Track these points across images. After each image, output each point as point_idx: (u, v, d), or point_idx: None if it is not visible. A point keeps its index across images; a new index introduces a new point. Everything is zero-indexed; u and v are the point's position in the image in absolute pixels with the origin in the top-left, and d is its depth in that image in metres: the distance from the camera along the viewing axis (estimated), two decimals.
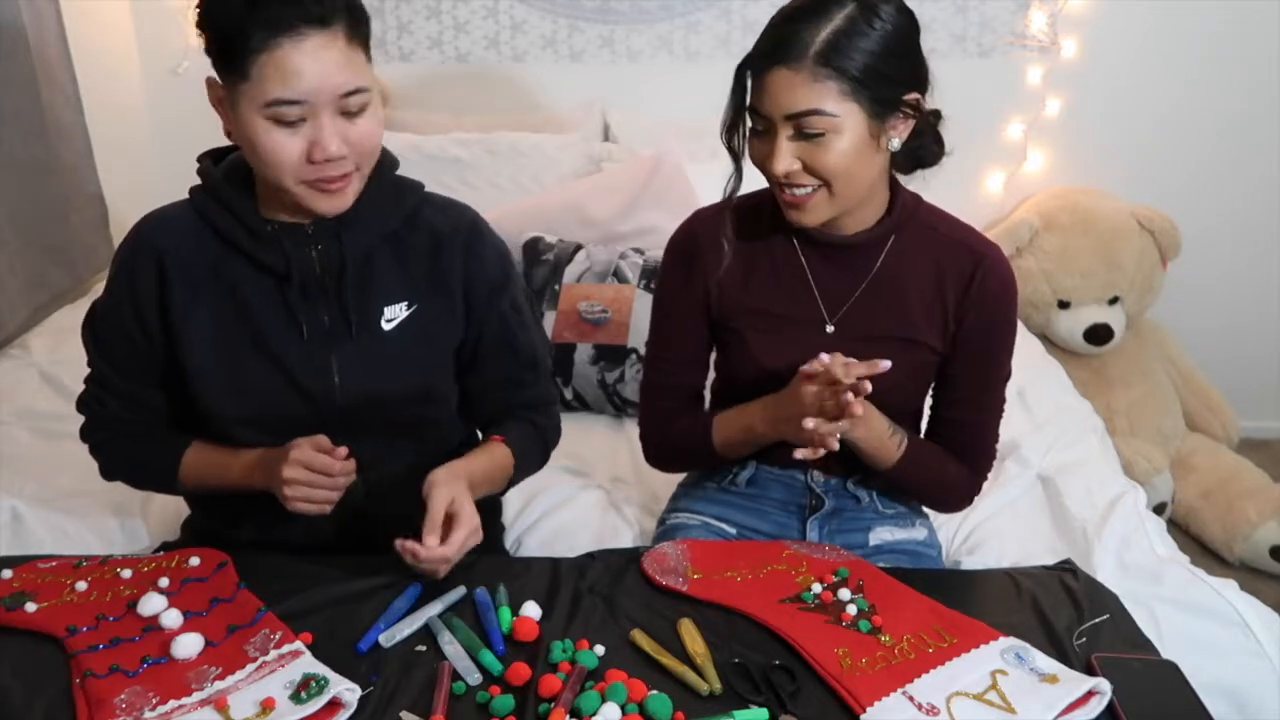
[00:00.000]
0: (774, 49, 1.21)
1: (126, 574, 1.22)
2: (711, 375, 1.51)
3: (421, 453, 1.35)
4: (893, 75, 1.22)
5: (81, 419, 1.37)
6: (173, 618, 1.13)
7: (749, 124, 1.28)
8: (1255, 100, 2.77)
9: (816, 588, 1.21)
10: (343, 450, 1.22)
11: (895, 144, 1.26)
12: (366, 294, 1.28)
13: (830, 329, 1.36)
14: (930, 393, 1.44)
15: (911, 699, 1.04)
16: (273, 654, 1.06)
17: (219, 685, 1.03)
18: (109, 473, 1.38)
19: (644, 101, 2.79)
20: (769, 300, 1.37)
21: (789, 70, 1.19)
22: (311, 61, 1.12)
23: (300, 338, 1.27)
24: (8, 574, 1.22)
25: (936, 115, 1.32)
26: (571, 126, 2.71)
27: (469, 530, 1.18)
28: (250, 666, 1.05)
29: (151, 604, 1.15)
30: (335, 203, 1.21)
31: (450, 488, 1.20)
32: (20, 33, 2.25)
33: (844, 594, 1.19)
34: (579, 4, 2.76)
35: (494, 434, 1.36)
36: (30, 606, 1.16)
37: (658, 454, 1.51)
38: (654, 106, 2.76)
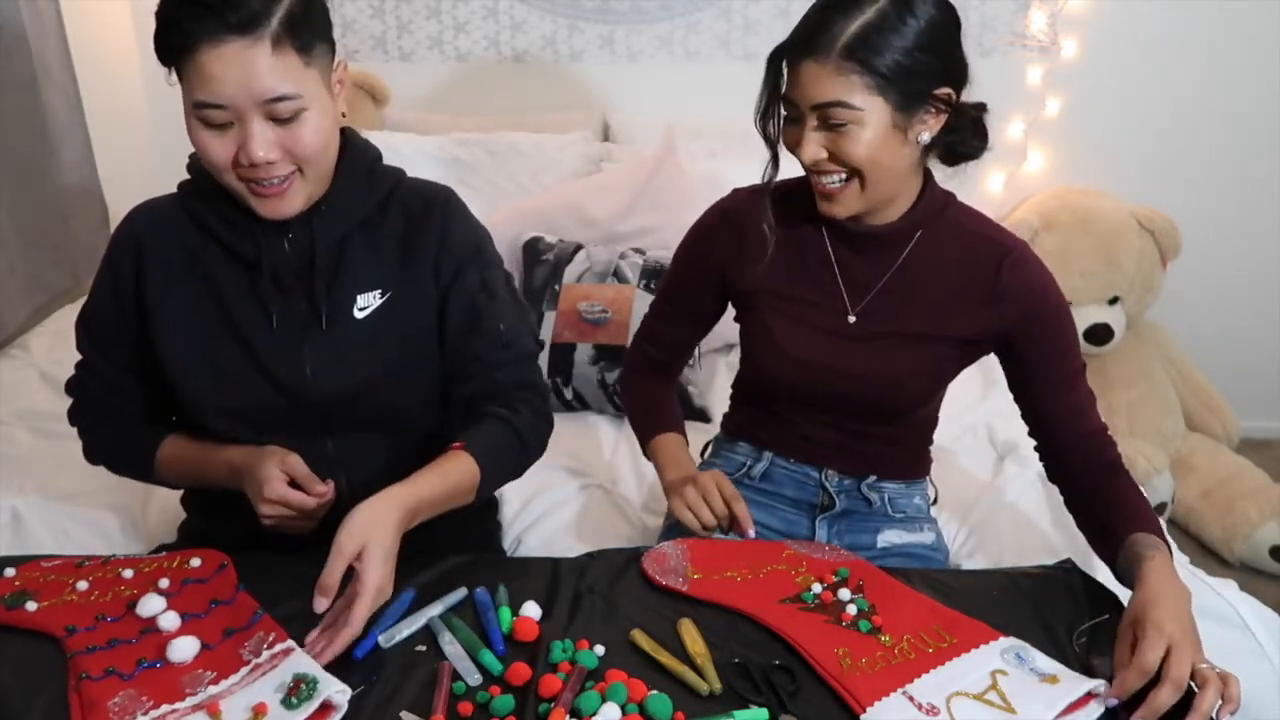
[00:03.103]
0: (804, 40, 1.22)
1: (128, 574, 1.22)
2: (725, 374, 1.54)
3: (402, 444, 1.35)
4: (922, 70, 1.22)
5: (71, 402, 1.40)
6: (170, 619, 1.13)
7: (782, 111, 1.29)
8: (1255, 99, 2.77)
9: (816, 588, 1.21)
10: (320, 487, 1.23)
11: (925, 138, 1.27)
12: (339, 283, 1.28)
13: (852, 319, 1.37)
14: (1020, 406, 1.41)
15: (911, 699, 1.04)
16: (264, 655, 1.06)
17: (212, 690, 1.03)
18: (90, 456, 1.41)
19: (644, 101, 2.80)
20: (793, 285, 1.38)
21: (815, 62, 1.20)
22: (229, 67, 1.11)
23: (271, 328, 1.27)
24: (10, 572, 1.22)
25: (979, 108, 1.32)
26: (571, 126, 2.71)
27: (372, 596, 1.06)
28: (244, 670, 1.05)
29: (150, 605, 1.15)
30: (275, 206, 1.20)
31: (360, 536, 1.07)
32: (20, 33, 2.25)
33: (844, 594, 1.19)
34: (579, 4, 2.76)
35: (456, 441, 1.25)
36: (31, 605, 1.16)
37: (621, 384, 1.62)
38: (654, 106, 2.76)
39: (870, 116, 1.22)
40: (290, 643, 1.07)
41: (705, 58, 2.80)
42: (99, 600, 1.17)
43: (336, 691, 1.00)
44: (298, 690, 1.00)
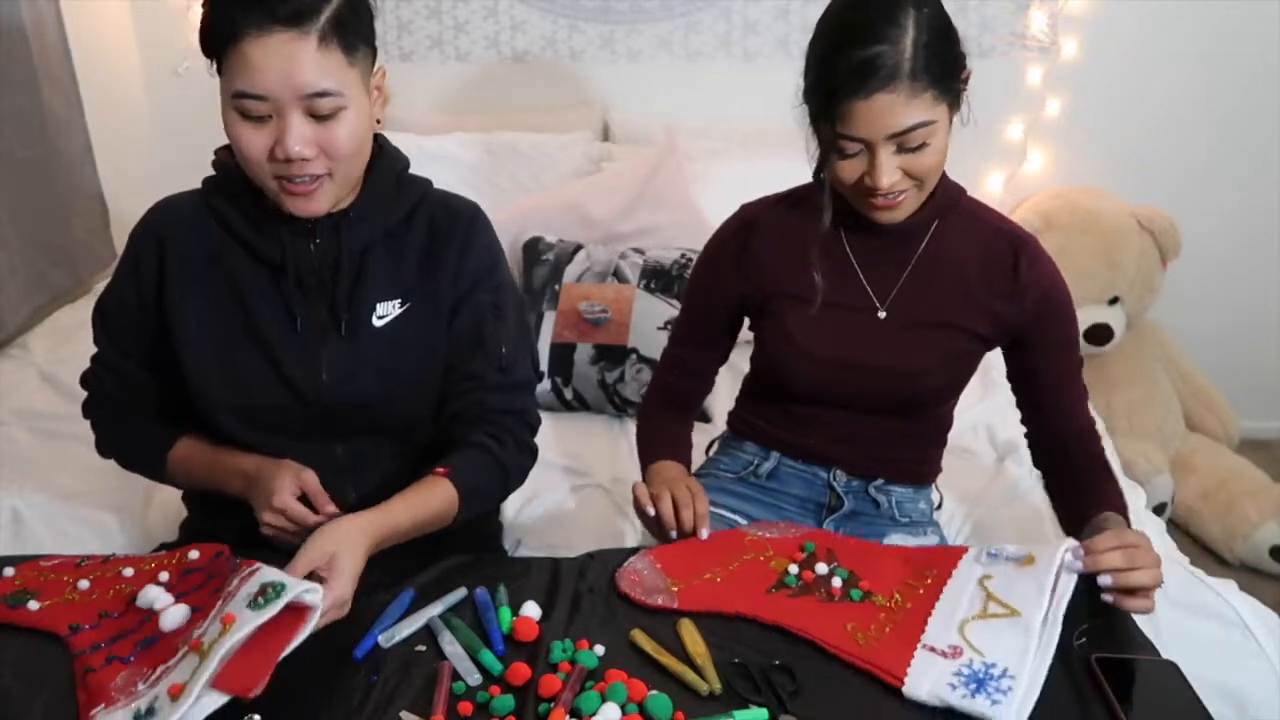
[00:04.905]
0: (863, 77, 1.19)
1: (128, 572, 1.21)
2: (725, 375, 1.54)
3: (410, 452, 1.35)
4: (955, 62, 1.24)
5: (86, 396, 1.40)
6: (166, 600, 1.12)
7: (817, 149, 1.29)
8: (1255, 100, 2.77)
9: (793, 569, 1.21)
10: (330, 508, 1.23)
11: (955, 121, 1.28)
12: (360, 290, 1.28)
13: (883, 314, 1.37)
14: (1018, 397, 1.44)
15: (932, 649, 1.05)
16: (234, 581, 1.04)
17: (195, 633, 1.02)
18: (102, 449, 1.41)
19: (644, 101, 2.80)
20: (814, 287, 1.37)
21: (888, 94, 1.19)
22: (274, 58, 1.11)
23: (291, 331, 1.27)
24: (9, 572, 1.22)
25: None
26: (571, 126, 2.71)
27: (333, 610, 1.05)
28: (219, 604, 1.04)
29: (149, 595, 1.14)
30: (304, 205, 1.20)
31: (330, 546, 1.08)
32: (20, 32, 2.25)
33: (821, 568, 1.19)
34: (579, 4, 2.76)
35: (440, 466, 1.26)
36: (33, 605, 1.16)
37: (637, 419, 1.58)
38: (654, 106, 2.76)
39: (941, 125, 1.23)
40: (258, 564, 1.05)
41: (705, 58, 2.80)
42: (100, 599, 1.17)
43: (305, 590, 0.99)
44: (264, 593, 0.98)
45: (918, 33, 1.19)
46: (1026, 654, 1.03)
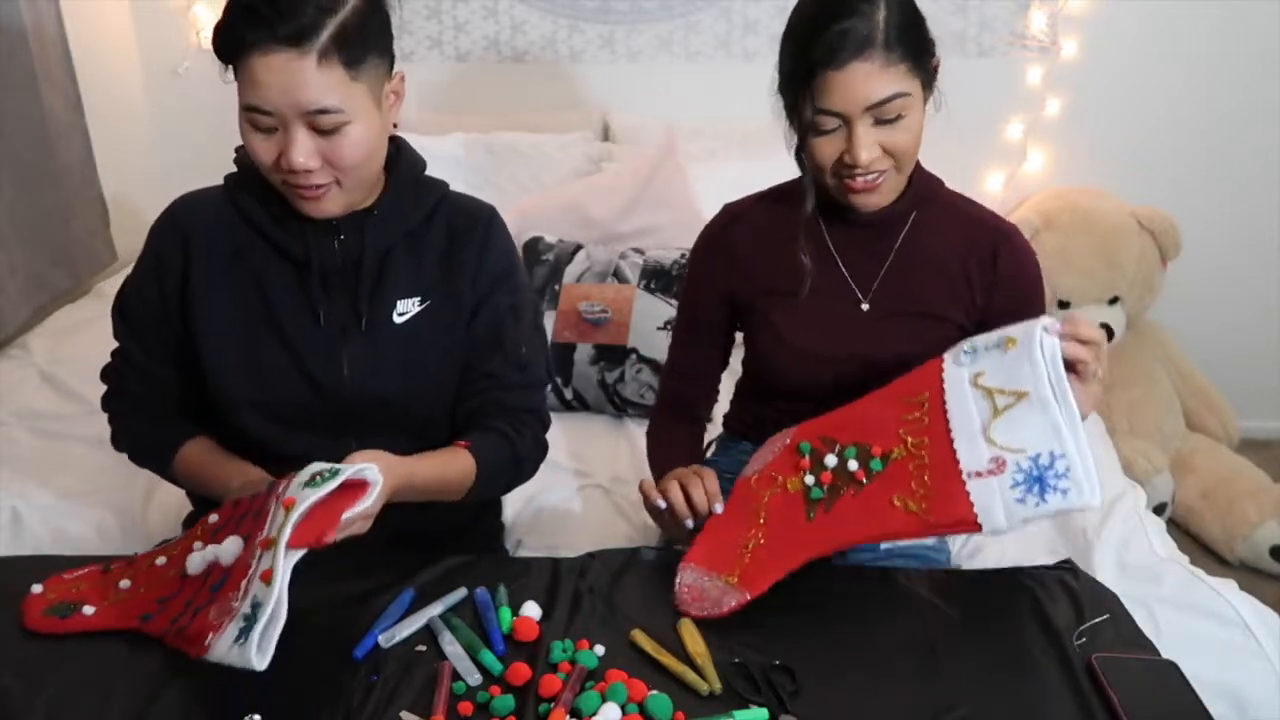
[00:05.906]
0: (839, 47, 1.21)
1: (161, 561, 1.21)
2: (724, 376, 1.54)
3: (423, 450, 1.35)
4: (926, 45, 1.26)
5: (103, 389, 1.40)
6: (214, 550, 1.13)
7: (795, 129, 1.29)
8: (1255, 100, 2.77)
9: (809, 480, 1.19)
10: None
11: (928, 108, 1.30)
12: (382, 288, 1.30)
13: (865, 306, 1.38)
14: None
15: (978, 473, 1.04)
16: (281, 485, 1.06)
17: (261, 535, 1.04)
18: (116, 443, 1.41)
19: (644, 101, 2.80)
20: (799, 281, 1.37)
21: (863, 62, 1.20)
22: (275, 76, 1.14)
23: (315, 326, 1.29)
24: (38, 589, 1.19)
25: None
26: (571, 126, 2.72)
27: (360, 515, 1.05)
28: (273, 503, 1.06)
29: (197, 560, 1.14)
30: (314, 207, 1.23)
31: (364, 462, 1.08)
32: (20, 33, 2.25)
33: (830, 460, 1.18)
34: (579, 4, 2.76)
35: (461, 440, 1.29)
36: (88, 610, 1.15)
37: (648, 432, 1.57)
38: (654, 106, 2.76)
39: (915, 100, 1.24)
40: (295, 473, 1.06)
41: (705, 58, 2.80)
42: (150, 590, 1.17)
43: (363, 469, 1.03)
44: (321, 474, 1.02)
45: (889, 12, 1.22)
46: (1058, 427, 1.02)
